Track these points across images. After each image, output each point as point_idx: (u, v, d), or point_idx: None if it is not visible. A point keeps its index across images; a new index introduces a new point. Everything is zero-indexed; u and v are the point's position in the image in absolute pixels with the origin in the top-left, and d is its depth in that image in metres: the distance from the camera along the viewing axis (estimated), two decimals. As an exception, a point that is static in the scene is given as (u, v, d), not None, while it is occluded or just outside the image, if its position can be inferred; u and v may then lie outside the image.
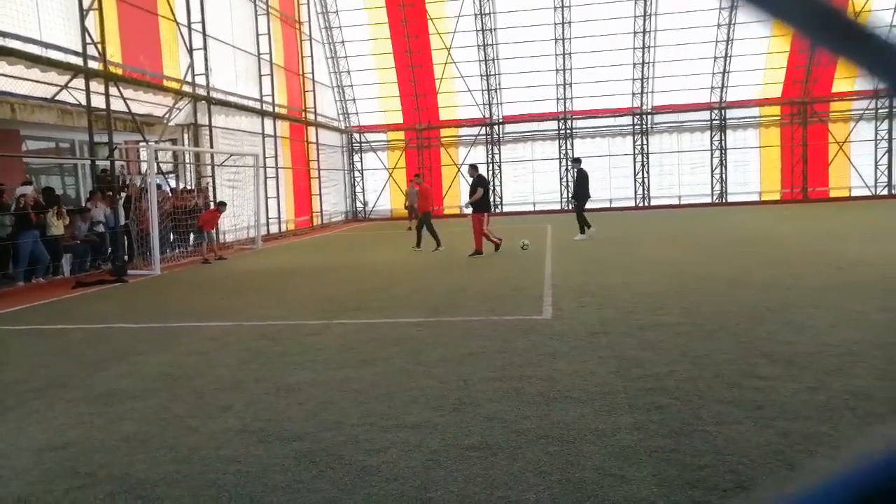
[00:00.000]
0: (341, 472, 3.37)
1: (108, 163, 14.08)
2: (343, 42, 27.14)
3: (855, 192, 26.38)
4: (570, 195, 16.40)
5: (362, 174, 29.49)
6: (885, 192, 26.21)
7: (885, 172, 26.25)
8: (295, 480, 3.31)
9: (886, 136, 26.07)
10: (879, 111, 25.93)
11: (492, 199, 28.15)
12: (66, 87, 12.64)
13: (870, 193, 26.13)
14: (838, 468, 0.33)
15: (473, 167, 13.88)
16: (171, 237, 14.76)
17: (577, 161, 16.55)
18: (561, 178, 27.55)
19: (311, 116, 24.88)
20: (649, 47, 25.96)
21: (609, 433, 3.71)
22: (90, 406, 4.68)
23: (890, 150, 26.08)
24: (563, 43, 26.28)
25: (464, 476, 3.26)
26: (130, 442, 3.95)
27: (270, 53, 21.33)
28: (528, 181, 28.01)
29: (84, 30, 12.83)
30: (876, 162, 26.23)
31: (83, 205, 13.82)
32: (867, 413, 3.84)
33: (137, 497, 3.22)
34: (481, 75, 27.08)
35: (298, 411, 4.34)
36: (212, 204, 16.21)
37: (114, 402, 4.73)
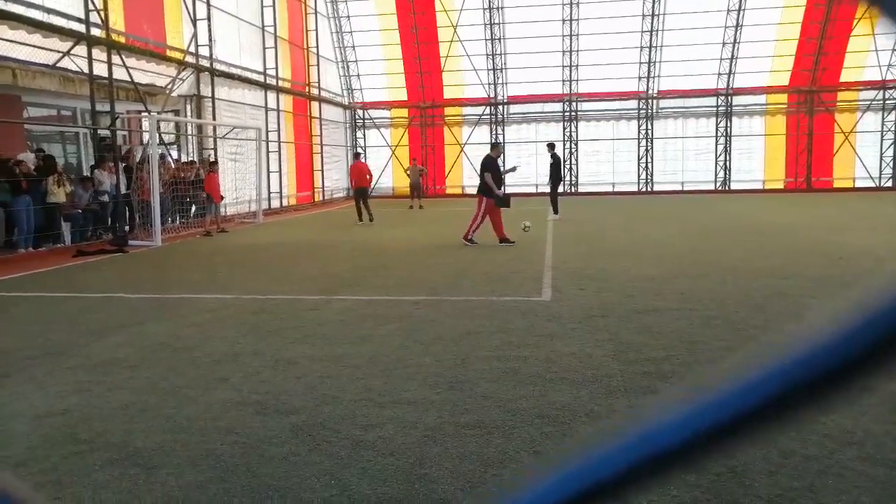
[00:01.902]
0: (337, 447, 3.39)
1: (109, 131, 14.01)
2: (348, 17, 26.88)
3: (859, 184, 26.30)
4: (549, 178, 16.76)
5: (365, 151, 29.35)
6: (889, 183, 26.12)
7: (890, 164, 26.14)
8: (291, 453, 3.33)
9: (893, 128, 25.91)
10: (887, 102, 25.76)
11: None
12: (68, 53, 12.54)
13: (874, 185, 26.05)
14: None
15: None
16: (167, 208, 14.66)
17: (551, 146, 17.61)
18: (565, 161, 27.45)
19: (314, 91, 24.72)
20: (657, 31, 25.71)
21: (604, 415, 3.73)
22: (89, 374, 4.71)
23: None
24: (571, 24, 26.03)
25: (459, 453, 3.29)
26: (129, 410, 3.98)
27: (275, 26, 21.13)
28: (532, 163, 27.88)
29: (87, -4, 12.70)
30: (881, 153, 26.11)
31: (84, 173, 13.78)
32: (861, 404, 3.86)
33: (135, 465, 3.25)
34: (487, 54, 26.86)
35: (296, 385, 4.37)
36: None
37: (113, 371, 4.76)
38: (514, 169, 12.49)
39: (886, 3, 0.28)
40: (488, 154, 11.75)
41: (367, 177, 16.83)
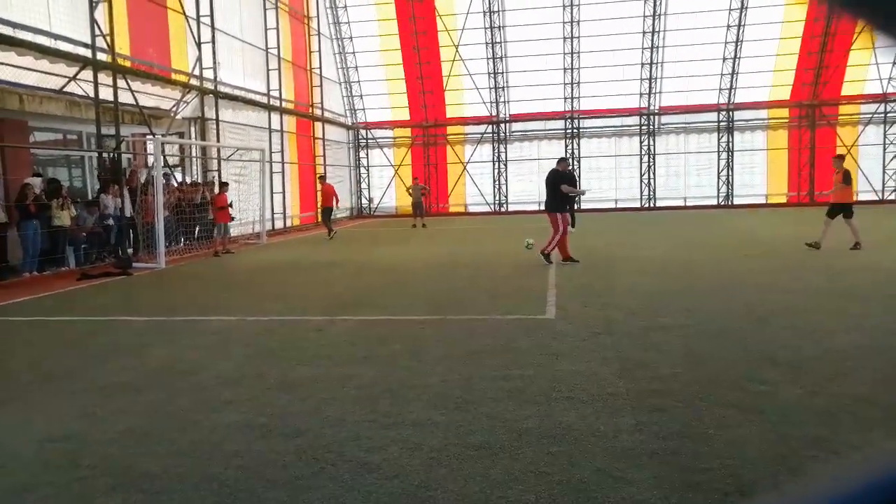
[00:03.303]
0: (342, 469, 3.37)
1: (106, 156, 14.11)
2: (351, 38, 27.14)
3: (862, 197, 26.21)
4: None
5: (368, 170, 29.50)
6: (892, 196, 26.08)
7: (893, 177, 26.12)
8: (296, 476, 3.31)
9: (895, 141, 25.93)
10: (889, 115, 25.79)
11: (497, 199, 28.21)
12: (74, 78, 12.68)
13: (877, 198, 26.00)
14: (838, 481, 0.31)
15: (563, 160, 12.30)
16: (171, 230, 14.68)
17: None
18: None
19: (317, 112, 24.90)
20: (658, 47, 25.88)
21: (611, 434, 3.70)
22: (93, 398, 4.70)
23: (898, 155, 25.95)
24: (572, 42, 26.23)
25: (464, 475, 3.26)
26: (133, 435, 3.97)
27: (279, 48, 21.34)
28: (534, 180, 27.97)
29: (93, 21, 12.86)
30: (884, 166, 26.10)
31: (90, 197, 13.86)
32: (868, 418, 3.83)
33: (139, 490, 3.23)
34: (489, 73, 27.06)
35: (300, 407, 4.35)
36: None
37: (116, 395, 4.75)
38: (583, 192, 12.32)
39: (884, 23, 0.28)
40: (555, 168, 11.57)
41: (334, 197, 18.62)
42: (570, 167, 11.98)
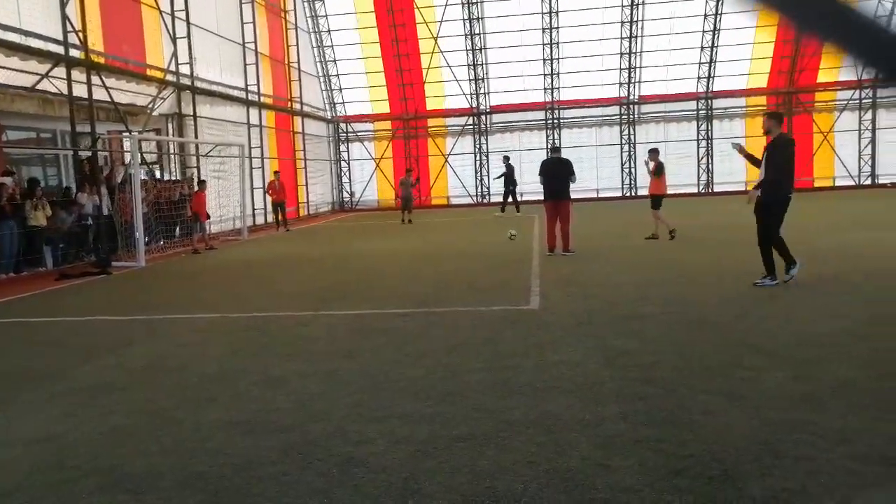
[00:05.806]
0: (329, 464, 3.36)
1: (83, 155, 13.89)
2: (329, 31, 26.93)
3: (839, 182, 26.62)
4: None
5: (349, 164, 29.36)
6: (868, 181, 26.47)
7: (869, 162, 26.50)
8: (282, 472, 3.30)
9: (870, 127, 26.31)
10: (863, 101, 26.15)
11: (480, 190, 28.15)
12: (46, 75, 12.45)
13: (853, 183, 26.38)
14: None
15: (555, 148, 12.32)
16: (151, 228, 14.46)
17: (506, 158, 21.71)
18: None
19: (297, 106, 24.70)
20: (636, 37, 25.98)
21: (595, 423, 3.72)
22: (76, 398, 4.64)
23: (873, 140, 26.33)
24: (551, 32, 26.24)
25: (451, 467, 3.27)
26: (117, 434, 3.93)
27: (256, 42, 21.12)
28: (515, 171, 28.01)
29: (65, 17, 12.64)
30: (860, 152, 26.48)
31: (66, 196, 13.64)
32: (850, 402, 3.89)
33: (124, 490, 3.20)
34: (468, 65, 27.00)
35: (285, 403, 4.33)
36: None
37: (99, 395, 4.70)
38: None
39: (852, 48, 0.29)
40: (561, 157, 11.34)
41: (284, 192, 19.68)
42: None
